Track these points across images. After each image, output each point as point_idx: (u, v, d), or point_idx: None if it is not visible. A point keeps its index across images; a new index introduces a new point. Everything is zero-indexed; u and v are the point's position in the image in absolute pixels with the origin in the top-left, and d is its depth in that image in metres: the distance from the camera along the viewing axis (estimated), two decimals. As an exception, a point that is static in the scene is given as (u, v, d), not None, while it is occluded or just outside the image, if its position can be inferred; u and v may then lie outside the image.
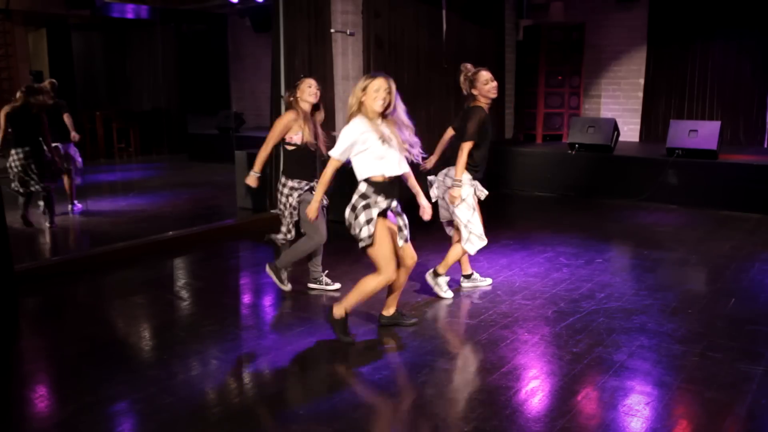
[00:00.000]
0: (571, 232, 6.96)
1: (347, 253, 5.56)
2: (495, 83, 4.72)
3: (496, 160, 9.66)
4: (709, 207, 7.98)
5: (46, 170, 6.63)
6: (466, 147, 4.65)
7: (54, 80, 6.88)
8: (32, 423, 3.29)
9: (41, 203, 6.72)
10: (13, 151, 6.49)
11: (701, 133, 8.20)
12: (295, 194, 4.76)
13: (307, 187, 4.77)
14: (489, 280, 5.23)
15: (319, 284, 5.06)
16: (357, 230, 3.87)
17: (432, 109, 8.98)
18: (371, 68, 7.97)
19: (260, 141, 4.92)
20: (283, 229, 4.87)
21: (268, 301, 5.06)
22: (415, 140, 3.98)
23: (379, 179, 3.88)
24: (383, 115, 3.87)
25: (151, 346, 4.25)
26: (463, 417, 3.20)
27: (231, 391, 3.54)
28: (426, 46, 8.79)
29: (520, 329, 4.31)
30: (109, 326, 4.59)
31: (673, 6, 9.99)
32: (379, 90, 3.81)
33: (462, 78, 4.77)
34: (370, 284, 3.96)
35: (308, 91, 4.72)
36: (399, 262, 4.04)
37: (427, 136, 8.77)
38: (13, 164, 6.53)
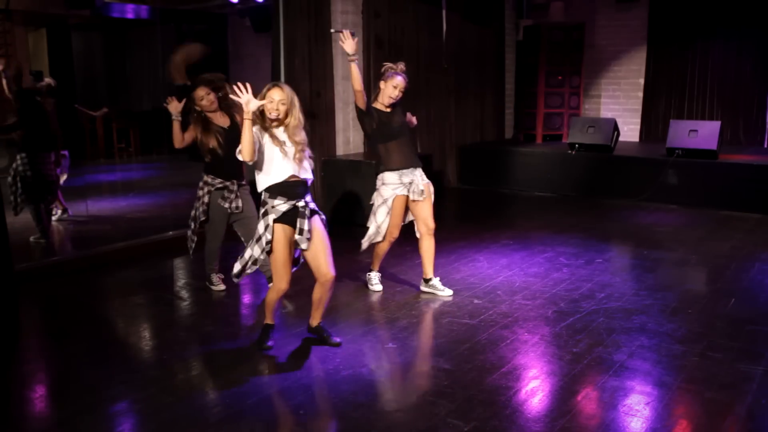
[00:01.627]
0: (571, 232, 6.96)
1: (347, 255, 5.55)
2: (399, 94, 4.68)
3: (497, 160, 9.71)
4: (709, 207, 7.98)
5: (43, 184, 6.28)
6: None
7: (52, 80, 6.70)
8: (32, 423, 3.30)
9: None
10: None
11: (701, 133, 8.19)
12: (206, 189, 4.92)
13: (220, 185, 4.88)
14: (450, 292, 4.97)
15: (209, 282, 5.21)
16: (259, 238, 3.84)
17: (432, 109, 8.99)
18: (371, 68, 7.97)
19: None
20: (190, 222, 5.02)
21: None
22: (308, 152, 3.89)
23: (275, 183, 3.80)
24: (283, 123, 3.80)
25: (151, 346, 4.25)
26: (463, 417, 3.20)
27: (231, 391, 3.53)
28: (426, 46, 8.80)
29: (520, 329, 4.31)
30: (109, 326, 4.59)
31: (673, 6, 10.00)
32: (273, 102, 3.72)
33: (383, 70, 4.77)
34: (268, 295, 3.98)
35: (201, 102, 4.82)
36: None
37: (427, 137, 8.88)
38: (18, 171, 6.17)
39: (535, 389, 3.51)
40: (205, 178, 4.93)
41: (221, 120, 4.88)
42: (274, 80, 7.24)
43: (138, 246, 6.26)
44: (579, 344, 4.05)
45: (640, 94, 10.52)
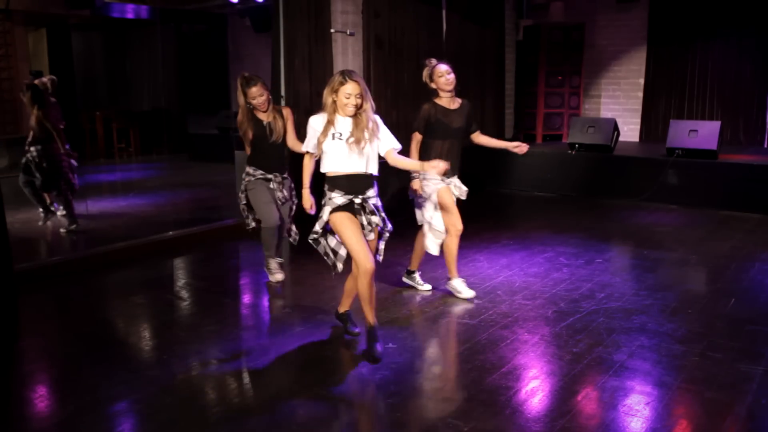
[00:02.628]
0: (571, 232, 6.96)
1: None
2: (451, 76, 4.73)
3: (497, 160, 9.70)
4: (709, 207, 7.98)
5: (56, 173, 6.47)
6: (412, 139, 4.73)
7: (53, 77, 6.75)
8: (32, 423, 3.29)
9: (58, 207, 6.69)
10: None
11: (701, 133, 8.20)
12: (246, 179, 5.04)
13: (261, 176, 4.98)
14: (428, 286, 5.10)
15: (267, 269, 5.23)
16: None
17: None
18: (371, 68, 7.97)
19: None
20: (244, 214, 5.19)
21: (268, 301, 5.06)
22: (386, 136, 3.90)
23: (334, 174, 3.83)
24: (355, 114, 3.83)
25: (151, 346, 4.25)
26: (463, 417, 3.20)
27: (231, 391, 3.54)
28: (426, 46, 8.78)
29: (520, 329, 4.31)
30: (109, 326, 4.59)
31: (673, 6, 10.00)
32: (350, 96, 3.75)
33: (425, 73, 4.80)
34: (360, 284, 3.78)
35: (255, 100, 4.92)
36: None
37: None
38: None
39: (535, 389, 3.51)
40: (247, 169, 5.04)
41: (264, 116, 4.98)
42: (274, 80, 7.27)
43: (138, 246, 6.26)
44: (579, 344, 4.05)
45: (640, 94, 10.53)
